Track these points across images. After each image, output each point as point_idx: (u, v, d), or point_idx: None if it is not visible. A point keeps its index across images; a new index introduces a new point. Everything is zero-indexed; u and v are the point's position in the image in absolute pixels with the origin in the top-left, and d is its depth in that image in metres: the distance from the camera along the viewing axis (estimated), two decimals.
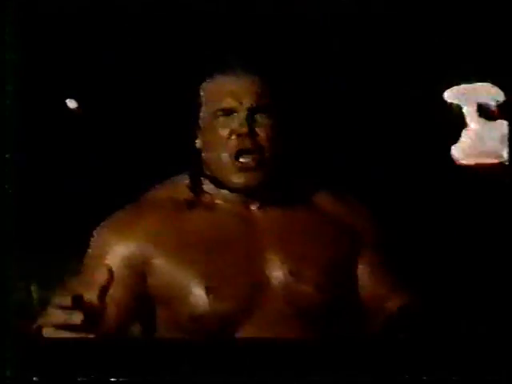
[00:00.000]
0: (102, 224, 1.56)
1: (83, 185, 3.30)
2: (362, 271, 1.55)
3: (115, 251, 1.48)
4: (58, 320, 1.23)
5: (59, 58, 2.76)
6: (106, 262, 1.45)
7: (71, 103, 3.13)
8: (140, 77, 2.45)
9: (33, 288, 3.59)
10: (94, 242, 1.55)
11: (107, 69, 2.69)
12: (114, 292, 1.28)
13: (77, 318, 1.21)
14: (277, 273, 1.47)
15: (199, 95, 1.49)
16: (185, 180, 1.55)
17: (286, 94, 1.52)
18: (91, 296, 1.21)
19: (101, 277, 1.20)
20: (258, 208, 1.52)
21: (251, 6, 1.57)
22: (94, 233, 1.57)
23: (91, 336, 1.22)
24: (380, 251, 1.57)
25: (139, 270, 1.42)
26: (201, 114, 1.49)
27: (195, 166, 1.51)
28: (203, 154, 1.50)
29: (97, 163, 3.21)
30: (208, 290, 1.43)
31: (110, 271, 1.21)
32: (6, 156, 1.58)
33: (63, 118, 3.17)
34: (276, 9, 1.58)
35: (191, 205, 1.51)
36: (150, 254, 1.40)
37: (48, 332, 1.26)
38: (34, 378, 1.51)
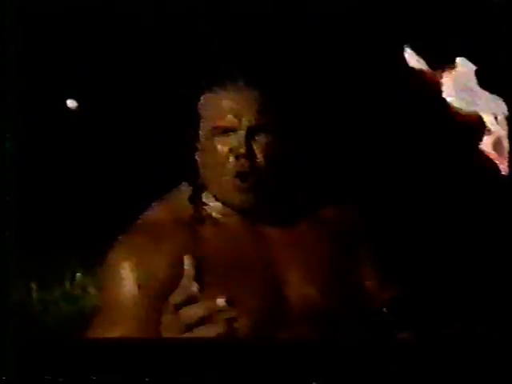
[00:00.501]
0: (114, 250, 1.48)
1: (83, 186, 3.30)
2: (364, 277, 1.55)
3: (137, 280, 1.43)
4: (199, 312, 1.16)
5: (60, 58, 2.76)
6: (128, 293, 1.41)
7: (71, 103, 3.13)
8: (141, 83, 2.46)
9: (33, 288, 3.59)
10: (110, 269, 1.47)
11: (108, 72, 2.69)
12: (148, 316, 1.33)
13: (220, 300, 1.14)
14: (295, 287, 1.46)
15: (199, 107, 1.46)
16: (181, 195, 1.51)
17: (287, 109, 1.49)
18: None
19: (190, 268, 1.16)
20: (264, 223, 1.50)
21: (255, 18, 1.56)
22: (108, 260, 1.48)
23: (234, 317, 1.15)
24: (379, 258, 1.58)
25: (166, 295, 1.27)
26: (200, 126, 1.46)
27: (194, 178, 1.48)
28: (201, 168, 1.47)
29: (96, 165, 3.22)
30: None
31: (198, 263, 1.18)
32: (6, 157, 1.58)
33: (63, 119, 3.17)
34: (278, 21, 1.58)
35: (198, 223, 1.47)
36: (175, 278, 1.26)
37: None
38: (34, 378, 1.51)
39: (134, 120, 2.94)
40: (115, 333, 1.42)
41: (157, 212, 1.49)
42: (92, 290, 3.60)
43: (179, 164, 1.48)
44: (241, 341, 1.41)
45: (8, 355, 1.51)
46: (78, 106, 3.10)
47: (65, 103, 3.11)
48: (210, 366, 1.44)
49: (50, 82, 2.92)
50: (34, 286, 3.59)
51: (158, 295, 1.35)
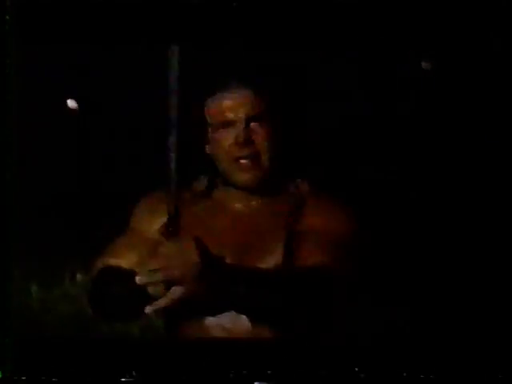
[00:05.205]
0: (142, 199, 1.83)
1: (84, 186, 3.30)
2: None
3: (145, 222, 1.78)
4: None
5: (61, 57, 2.76)
6: (138, 230, 1.77)
7: (71, 103, 3.13)
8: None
9: (33, 288, 3.59)
10: (133, 212, 1.81)
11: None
12: (142, 251, 1.68)
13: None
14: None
15: (204, 110, 1.76)
16: (203, 181, 1.84)
17: (281, 101, 1.77)
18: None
19: None
20: (257, 204, 1.77)
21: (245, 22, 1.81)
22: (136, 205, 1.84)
23: None
24: None
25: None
26: (207, 126, 1.76)
27: (209, 169, 1.78)
28: (214, 159, 1.77)
29: (98, 165, 3.22)
30: None
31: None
32: (7, 158, 1.59)
33: (63, 119, 3.17)
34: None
35: (204, 196, 1.80)
36: None
37: None
38: (34, 378, 1.51)
39: (134, 122, 2.94)
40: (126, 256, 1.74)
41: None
42: None
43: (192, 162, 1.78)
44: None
45: (8, 354, 1.51)
46: (79, 106, 3.10)
47: (65, 103, 3.11)
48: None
49: (50, 80, 2.92)
50: (34, 286, 3.59)
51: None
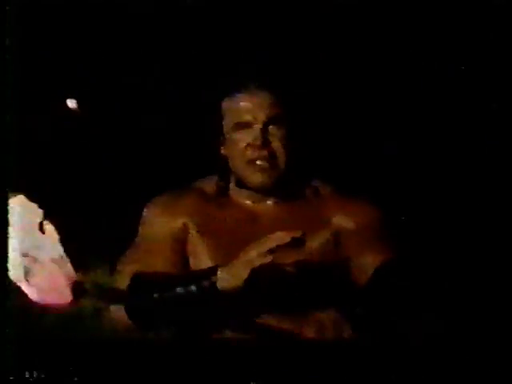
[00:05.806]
0: (150, 202, 1.82)
1: (83, 186, 3.31)
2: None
3: (162, 225, 1.76)
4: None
5: (63, 58, 2.77)
6: (156, 234, 1.75)
7: (71, 103, 3.13)
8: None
9: None
10: (144, 216, 1.80)
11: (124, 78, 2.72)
12: (166, 255, 1.68)
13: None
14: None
15: (221, 110, 1.75)
16: (214, 180, 1.82)
17: (297, 104, 1.77)
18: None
19: None
20: (273, 203, 1.76)
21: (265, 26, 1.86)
22: (145, 209, 1.82)
23: None
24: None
25: (181, 238, 1.73)
26: (223, 127, 1.76)
27: (223, 169, 1.78)
28: (229, 160, 1.76)
29: (98, 166, 3.22)
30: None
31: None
32: (6, 157, 1.59)
33: (65, 119, 3.17)
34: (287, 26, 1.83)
35: (216, 197, 1.79)
36: (187, 228, 1.72)
37: None
38: (35, 377, 1.51)
39: (143, 122, 2.95)
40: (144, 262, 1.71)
41: (192, 184, 1.83)
42: (92, 290, 3.60)
43: (202, 163, 1.82)
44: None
45: (8, 354, 1.51)
46: (79, 106, 3.10)
47: (65, 103, 3.12)
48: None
49: (49, 81, 2.93)
50: None
51: (177, 238, 1.73)
